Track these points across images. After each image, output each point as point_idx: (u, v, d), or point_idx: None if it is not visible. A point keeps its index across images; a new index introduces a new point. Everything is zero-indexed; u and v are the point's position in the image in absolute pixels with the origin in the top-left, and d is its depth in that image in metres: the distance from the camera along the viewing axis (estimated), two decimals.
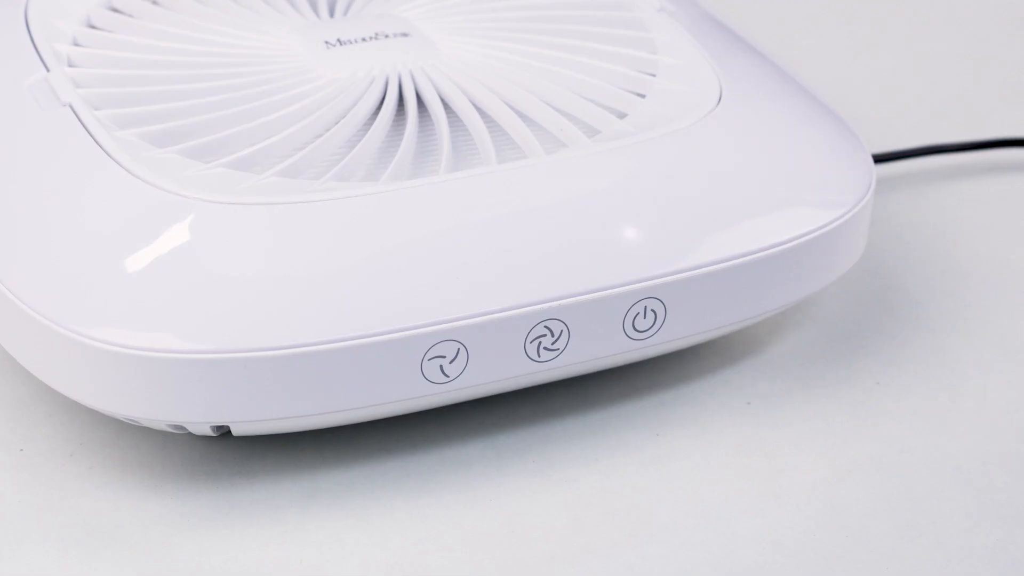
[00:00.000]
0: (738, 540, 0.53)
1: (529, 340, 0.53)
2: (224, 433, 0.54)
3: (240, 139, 0.56)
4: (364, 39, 0.61)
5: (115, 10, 0.64)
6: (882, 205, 0.70)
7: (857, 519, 0.54)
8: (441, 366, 0.53)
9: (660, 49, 0.63)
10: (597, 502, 0.55)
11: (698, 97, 0.60)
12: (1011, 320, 0.64)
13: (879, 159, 0.71)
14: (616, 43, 0.63)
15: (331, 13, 0.65)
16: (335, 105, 0.58)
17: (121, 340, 0.51)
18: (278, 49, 0.61)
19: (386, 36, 0.62)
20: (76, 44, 0.61)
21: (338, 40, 0.61)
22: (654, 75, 0.61)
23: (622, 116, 0.59)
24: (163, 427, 0.53)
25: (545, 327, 0.53)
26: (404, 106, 0.59)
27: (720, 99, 0.60)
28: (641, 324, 0.55)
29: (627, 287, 0.54)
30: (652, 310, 0.55)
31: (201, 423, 0.53)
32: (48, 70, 0.59)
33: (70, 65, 0.60)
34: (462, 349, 0.53)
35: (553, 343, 0.54)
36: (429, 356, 0.52)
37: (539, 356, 0.54)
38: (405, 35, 0.62)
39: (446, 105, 0.59)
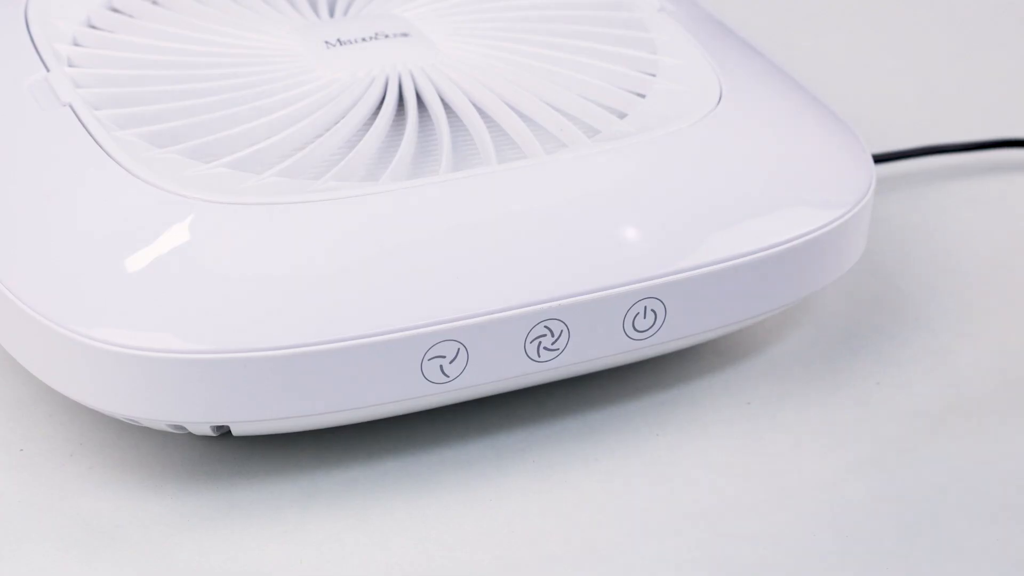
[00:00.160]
0: (738, 540, 0.53)
1: (529, 340, 0.53)
2: (224, 433, 0.54)
3: (240, 139, 0.56)
4: (364, 39, 0.61)
5: (115, 10, 0.64)
6: (882, 205, 0.70)
7: (857, 519, 0.54)
8: (441, 366, 0.53)
9: (660, 49, 0.63)
10: (597, 502, 0.55)
11: (698, 97, 0.60)
12: (1011, 320, 0.64)
13: (879, 159, 0.71)
14: (616, 43, 0.63)
15: (331, 13, 0.65)
16: (335, 105, 0.58)
17: (121, 340, 0.51)
18: (278, 49, 0.61)
19: (386, 36, 0.62)
20: (76, 44, 0.61)
21: (338, 40, 0.61)
22: (654, 75, 0.61)
23: (622, 116, 0.59)
24: (163, 427, 0.54)
25: (545, 327, 0.53)
26: (404, 106, 0.59)
27: (720, 99, 0.60)
28: (641, 324, 0.55)
29: (627, 287, 0.54)
30: (652, 310, 0.55)
31: (201, 423, 0.53)
32: (48, 70, 0.59)
33: (70, 65, 0.60)
34: (462, 349, 0.53)
35: (553, 343, 0.54)
36: (429, 356, 0.52)
37: (539, 356, 0.54)
38: (405, 35, 0.62)
39: (446, 105, 0.59)
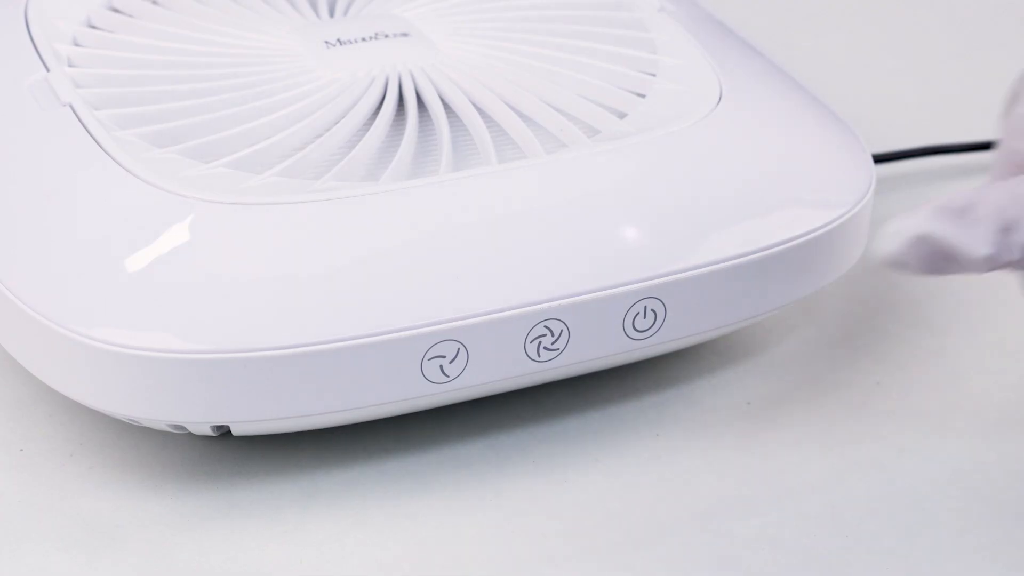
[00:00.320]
0: (738, 540, 0.53)
1: (529, 340, 0.53)
2: (224, 433, 0.54)
3: (240, 139, 0.56)
4: (364, 39, 0.61)
5: (115, 10, 0.64)
6: (882, 205, 0.70)
7: (857, 519, 0.54)
8: (441, 366, 0.53)
9: (660, 49, 0.63)
10: (597, 502, 0.55)
11: (698, 97, 0.60)
12: (1011, 320, 0.64)
13: (879, 159, 0.71)
14: (616, 43, 0.63)
15: (331, 13, 0.65)
16: (335, 105, 0.58)
17: (121, 340, 0.51)
18: (278, 49, 0.61)
19: (386, 36, 0.62)
20: (76, 44, 0.61)
21: (338, 40, 0.61)
22: (654, 75, 0.61)
23: (622, 116, 0.59)
24: (163, 427, 0.53)
25: (545, 327, 0.53)
26: (404, 106, 0.59)
27: (720, 99, 0.60)
28: (641, 324, 0.55)
29: (627, 287, 0.54)
30: (652, 310, 0.55)
31: (201, 423, 0.53)
32: (48, 70, 0.59)
33: (70, 65, 0.60)
34: (462, 349, 0.53)
35: (553, 343, 0.54)
36: (429, 356, 0.52)
37: (539, 356, 0.54)
38: (405, 35, 0.62)
39: (446, 105, 0.59)
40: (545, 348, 0.54)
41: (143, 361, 0.51)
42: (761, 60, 0.64)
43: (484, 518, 0.54)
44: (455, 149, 0.57)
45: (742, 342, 0.62)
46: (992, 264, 0.48)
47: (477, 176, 0.55)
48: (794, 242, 0.56)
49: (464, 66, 0.60)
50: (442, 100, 0.59)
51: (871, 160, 0.61)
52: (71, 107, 0.57)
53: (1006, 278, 0.67)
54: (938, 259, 0.48)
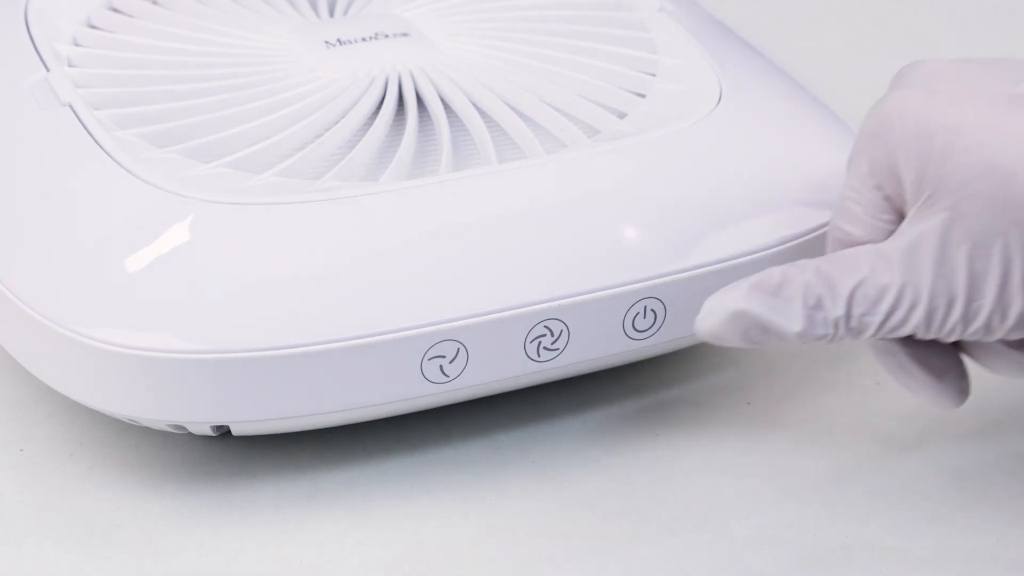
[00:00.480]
0: (738, 540, 0.53)
1: (529, 340, 0.53)
2: (224, 433, 0.54)
3: (240, 139, 0.56)
4: (364, 39, 0.61)
5: (115, 10, 0.64)
6: None
7: (857, 519, 0.54)
8: (441, 366, 0.53)
9: (660, 49, 0.63)
10: (597, 502, 0.55)
11: (698, 97, 0.60)
12: None
13: None
14: (616, 43, 0.63)
15: (331, 13, 0.65)
16: (335, 105, 0.58)
17: (121, 340, 0.51)
18: (278, 49, 0.61)
19: (386, 36, 0.62)
20: (76, 44, 0.61)
21: (338, 40, 0.61)
22: (654, 75, 0.61)
23: (622, 116, 0.59)
24: (163, 427, 0.53)
25: (545, 327, 0.53)
26: (404, 106, 0.59)
27: (720, 99, 0.60)
28: (641, 324, 0.55)
29: (627, 287, 0.54)
30: (652, 310, 0.55)
31: (201, 423, 0.53)
32: (48, 70, 0.59)
33: (70, 65, 0.60)
34: (462, 349, 0.53)
35: (553, 343, 0.54)
36: (429, 356, 0.52)
37: (539, 356, 0.54)
38: (405, 35, 0.62)
39: (446, 105, 0.59)
40: (545, 348, 0.54)
41: (143, 361, 0.51)
42: (761, 60, 0.64)
43: (484, 518, 0.54)
44: (455, 149, 0.57)
45: None
46: (805, 338, 0.51)
47: (477, 176, 0.55)
48: (794, 242, 0.56)
49: (464, 66, 0.60)
50: (442, 100, 0.59)
51: None
52: (71, 107, 0.57)
53: None
54: (754, 333, 0.51)
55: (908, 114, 0.51)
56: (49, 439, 0.57)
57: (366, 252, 0.53)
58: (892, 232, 0.52)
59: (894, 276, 0.50)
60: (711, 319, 0.51)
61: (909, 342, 0.53)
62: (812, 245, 0.57)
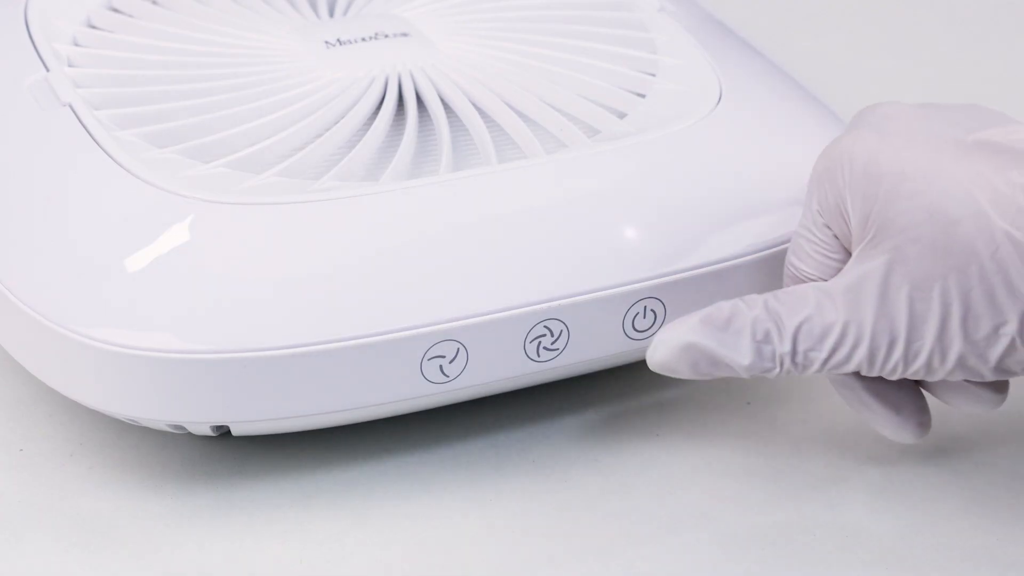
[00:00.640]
0: (738, 540, 0.53)
1: (529, 340, 0.53)
2: (224, 433, 0.54)
3: (240, 139, 0.56)
4: (364, 39, 0.61)
5: (115, 10, 0.64)
6: None
7: (858, 519, 0.54)
8: (441, 366, 0.53)
9: (660, 49, 0.63)
10: (597, 502, 0.55)
11: (698, 97, 0.60)
12: None
13: None
14: (616, 43, 0.63)
15: (331, 13, 0.65)
16: (335, 105, 0.58)
17: (121, 340, 0.51)
18: (278, 49, 0.61)
19: (386, 36, 0.62)
20: (76, 44, 0.61)
21: (338, 40, 0.61)
22: (654, 75, 0.61)
23: (622, 116, 0.59)
24: (163, 427, 0.53)
25: (545, 327, 0.53)
26: (404, 106, 0.59)
27: (720, 99, 0.60)
28: (641, 324, 0.55)
29: (627, 287, 0.54)
30: (652, 310, 0.55)
31: (201, 423, 0.53)
32: (48, 70, 0.59)
33: (70, 65, 0.60)
34: (462, 349, 0.53)
35: (553, 343, 0.54)
36: (429, 356, 0.52)
37: (539, 356, 0.54)
38: (405, 35, 0.62)
39: (446, 105, 0.59)
40: (545, 348, 0.54)
41: (143, 361, 0.51)
42: (761, 60, 0.64)
43: (484, 518, 0.54)
44: (455, 149, 0.57)
45: None
46: (753, 371, 0.51)
47: (477, 176, 0.55)
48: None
49: (464, 66, 0.60)
50: (442, 100, 0.59)
51: None
52: (71, 107, 0.57)
53: None
54: (704, 365, 0.52)
55: (858, 156, 0.51)
56: (49, 439, 0.57)
57: (366, 252, 0.53)
58: (841, 270, 0.52)
59: (838, 314, 0.51)
60: (662, 350, 0.52)
61: (866, 377, 0.53)
62: None
